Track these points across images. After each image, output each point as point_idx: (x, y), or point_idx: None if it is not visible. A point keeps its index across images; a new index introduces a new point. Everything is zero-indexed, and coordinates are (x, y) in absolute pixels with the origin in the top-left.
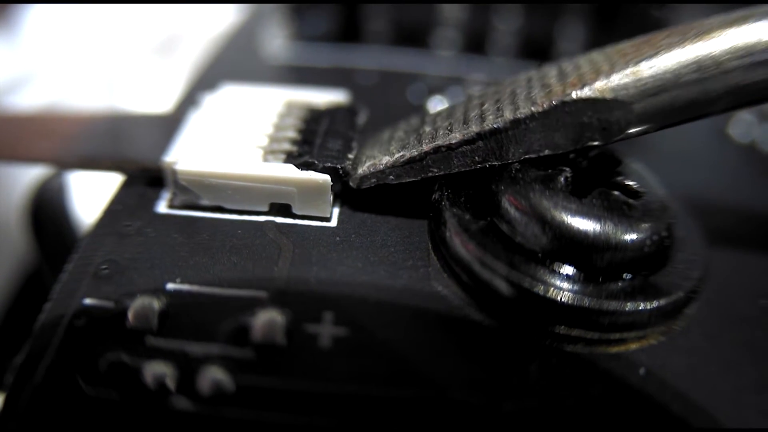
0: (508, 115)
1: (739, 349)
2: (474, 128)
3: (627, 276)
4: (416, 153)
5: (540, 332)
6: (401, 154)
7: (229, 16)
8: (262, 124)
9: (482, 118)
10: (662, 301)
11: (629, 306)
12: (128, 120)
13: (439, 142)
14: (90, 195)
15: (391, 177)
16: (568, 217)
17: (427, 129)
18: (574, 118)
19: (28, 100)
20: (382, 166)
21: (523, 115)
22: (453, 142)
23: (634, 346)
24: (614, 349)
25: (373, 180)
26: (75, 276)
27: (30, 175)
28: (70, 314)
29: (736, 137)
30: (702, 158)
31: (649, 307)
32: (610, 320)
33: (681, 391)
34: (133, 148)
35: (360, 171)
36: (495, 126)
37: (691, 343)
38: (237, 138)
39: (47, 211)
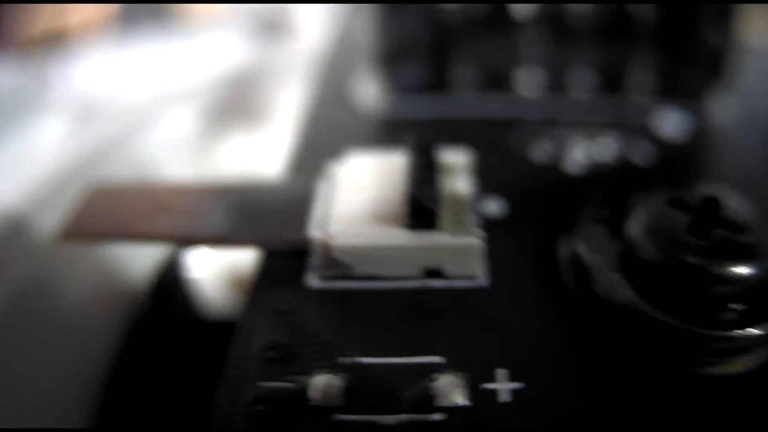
0: None
1: None
2: None
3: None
4: None
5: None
6: None
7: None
8: (396, 193)
9: None
10: None
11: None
12: (250, 191)
13: None
14: (206, 271)
15: None
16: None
17: None
18: None
19: (115, 167)
20: None
21: None
22: None
23: None
24: None
25: None
26: (241, 361)
27: (145, 254)
28: (249, 400)
29: None
30: None
31: None
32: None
33: None
34: (267, 221)
35: None
36: None
37: None
38: (376, 209)
39: (176, 292)
